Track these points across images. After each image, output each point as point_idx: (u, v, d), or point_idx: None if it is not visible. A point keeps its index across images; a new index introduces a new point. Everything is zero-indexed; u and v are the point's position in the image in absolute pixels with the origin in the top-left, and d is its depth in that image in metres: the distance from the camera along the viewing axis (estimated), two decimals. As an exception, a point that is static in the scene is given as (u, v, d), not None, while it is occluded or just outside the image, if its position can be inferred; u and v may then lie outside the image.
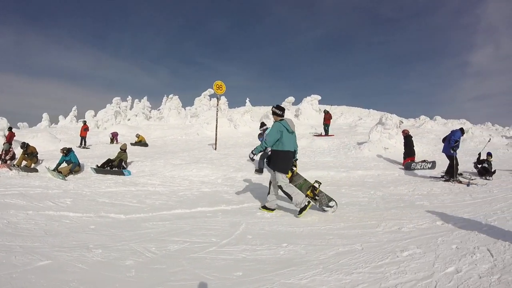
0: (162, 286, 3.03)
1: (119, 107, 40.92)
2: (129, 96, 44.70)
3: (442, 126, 21.78)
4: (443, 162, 9.54)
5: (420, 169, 9.44)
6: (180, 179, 8.90)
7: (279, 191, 5.62)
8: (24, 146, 11.49)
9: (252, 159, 5.61)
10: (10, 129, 15.70)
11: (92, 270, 3.42)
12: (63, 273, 3.32)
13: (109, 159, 10.56)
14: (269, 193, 5.75)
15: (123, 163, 10.21)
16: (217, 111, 14.32)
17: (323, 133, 18.16)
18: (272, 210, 5.58)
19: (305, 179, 5.86)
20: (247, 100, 40.19)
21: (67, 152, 10.32)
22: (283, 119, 5.35)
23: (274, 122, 5.43)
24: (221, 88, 14.06)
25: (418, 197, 6.41)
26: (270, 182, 5.81)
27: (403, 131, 10.79)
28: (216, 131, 14.50)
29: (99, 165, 10.40)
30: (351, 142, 13.61)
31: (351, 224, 4.64)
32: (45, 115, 46.16)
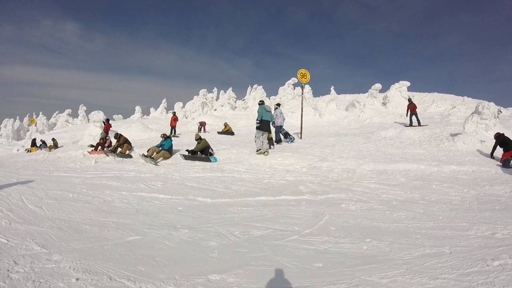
0: (242, 269, 3.17)
1: (205, 98, 42.97)
2: (215, 88, 46.69)
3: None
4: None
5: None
6: (265, 167, 8.98)
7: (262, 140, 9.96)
8: (117, 136, 13.01)
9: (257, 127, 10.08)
10: (107, 120, 17.61)
11: (177, 248, 3.73)
12: (150, 249, 3.70)
13: (192, 150, 11.04)
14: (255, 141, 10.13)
15: (210, 150, 10.75)
16: (302, 100, 14.18)
17: (415, 123, 16.94)
18: (258, 151, 9.95)
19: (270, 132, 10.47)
20: (332, 88, 38.95)
21: (165, 138, 11.47)
22: (262, 105, 10.20)
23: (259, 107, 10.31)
24: (305, 77, 13.88)
25: (515, 200, 5.55)
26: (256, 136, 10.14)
27: (495, 135, 9.36)
28: (301, 120, 14.50)
29: (189, 153, 10.93)
30: (443, 133, 12.39)
31: (441, 224, 4.27)
32: (137, 108, 51.43)
